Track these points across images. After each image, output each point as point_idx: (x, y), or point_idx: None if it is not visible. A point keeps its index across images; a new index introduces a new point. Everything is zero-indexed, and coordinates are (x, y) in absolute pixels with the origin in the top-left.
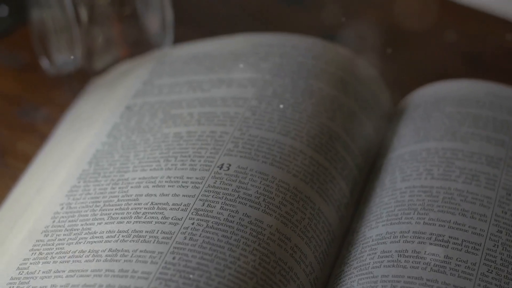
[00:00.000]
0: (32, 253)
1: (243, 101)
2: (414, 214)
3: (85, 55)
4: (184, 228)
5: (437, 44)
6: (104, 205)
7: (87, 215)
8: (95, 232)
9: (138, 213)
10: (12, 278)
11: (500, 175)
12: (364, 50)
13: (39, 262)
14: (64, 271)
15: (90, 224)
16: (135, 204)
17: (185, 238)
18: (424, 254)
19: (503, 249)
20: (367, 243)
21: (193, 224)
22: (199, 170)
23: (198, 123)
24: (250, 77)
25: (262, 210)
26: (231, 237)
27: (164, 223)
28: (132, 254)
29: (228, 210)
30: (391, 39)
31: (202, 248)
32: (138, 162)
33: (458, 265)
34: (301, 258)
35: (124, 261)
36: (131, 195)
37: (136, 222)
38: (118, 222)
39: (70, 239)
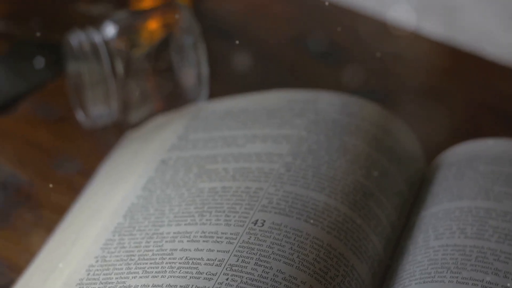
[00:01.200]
0: None
1: (277, 157)
2: (447, 272)
3: (121, 108)
4: (218, 283)
5: (470, 101)
6: (138, 259)
7: (121, 269)
8: (129, 286)
9: (172, 267)
10: None
11: None
12: (397, 107)
13: None
14: None
15: (125, 278)
16: (169, 258)
17: None
18: None
19: None
20: None
21: (227, 279)
22: (234, 225)
23: (233, 178)
24: (285, 133)
25: (296, 266)
26: None
27: (198, 278)
28: None
29: (262, 266)
30: (424, 95)
31: None
32: (173, 216)
33: None
34: None
35: None
36: (165, 250)
37: (171, 276)
38: (153, 276)
39: None
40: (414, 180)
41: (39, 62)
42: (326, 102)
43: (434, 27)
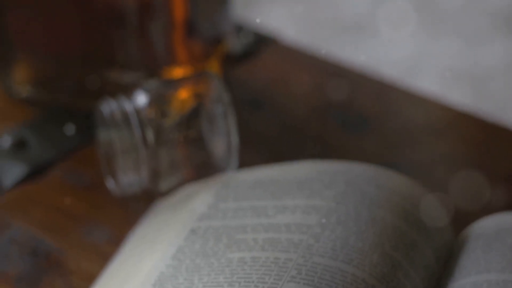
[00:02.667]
0: None
1: (306, 228)
2: None
3: (151, 177)
4: None
5: (497, 173)
6: None
7: None
8: None
9: None
10: None
11: None
12: (424, 178)
13: None
14: None
15: None
16: None
17: None
18: None
19: None
20: None
21: None
22: None
23: (262, 249)
24: (314, 204)
25: None
26: None
27: None
28: None
29: None
30: (451, 167)
31: None
32: (202, 286)
33: None
34: None
35: None
36: None
37: None
38: None
39: None
40: (442, 252)
41: (70, 129)
42: (355, 174)
43: (462, 96)
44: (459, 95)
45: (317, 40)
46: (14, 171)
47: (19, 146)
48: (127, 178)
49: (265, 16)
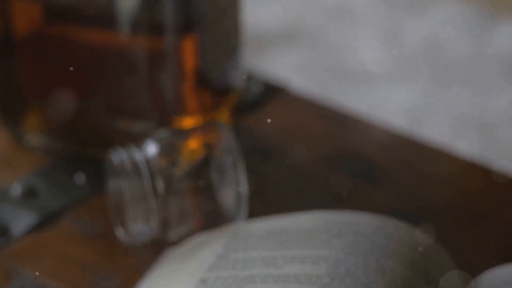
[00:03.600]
0: None
1: (315, 278)
2: None
3: (161, 226)
4: None
5: (506, 224)
6: None
7: None
8: None
9: None
10: None
11: None
12: (433, 229)
13: None
14: None
15: None
16: None
17: None
18: None
19: None
20: None
21: None
22: None
23: None
24: (323, 254)
25: None
26: None
27: None
28: None
29: None
30: (460, 217)
31: None
32: None
33: None
34: None
35: None
36: None
37: None
38: None
39: None
40: None
41: (80, 178)
42: (364, 224)
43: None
44: (467, 143)
45: (326, 88)
46: (24, 220)
47: (29, 194)
48: (137, 227)
49: (274, 63)
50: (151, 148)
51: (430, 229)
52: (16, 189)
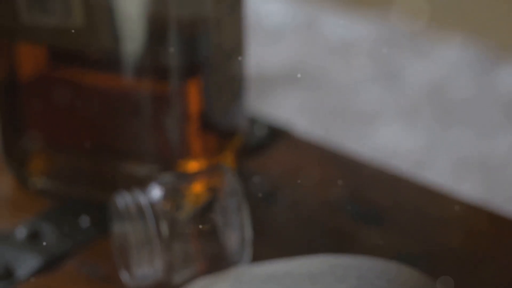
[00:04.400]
0: None
1: None
2: None
3: (165, 269)
4: None
5: (508, 270)
6: None
7: None
8: None
9: None
10: None
11: None
12: (435, 272)
13: None
14: None
15: None
16: None
17: None
18: None
19: None
20: None
21: None
22: None
23: None
24: None
25: None
26: None
27: None
28: None
29: None
30: (463, 260)
31: None
32: None
33: None
34: None
35: None
36: None
37: None
38: None
39: None
40: None
41: (85, 221)
42: (367, 268)
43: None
44: (471, 185)
45: (329, 129)
46: (29, 263)
47: (34, 237)
48: (142, 271)
49: (277, 104)
50: (156, 192)
51: (433, 272)
52: (21, 232)
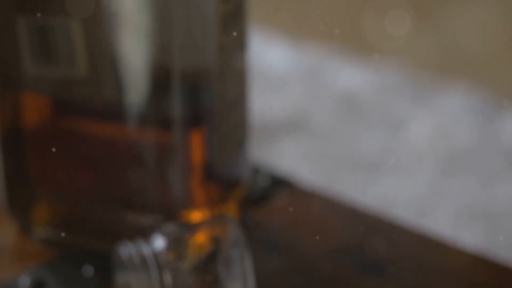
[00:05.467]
0: None
1: None
2: None
3: None
4: None
5: None
6: None
7: None
8: None
9: None
10: None
11: None
12: None
13: None
14: None
15: None
16: None
17: None
18: None
19: None
20: None
21: None
22: None
23: None
24: None
25: None
26: None
27: None
28: None
29: None
30: None
31: None
32: None
33: None
34: None
35: None
36: None
37: None
38: None
39: None
40: None
41: (88, 270)
42: None
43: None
44: (473, 233)
45: (332, 178)
46: None
47: (38, 287)
48: None
49: (281, 153)
50: (159, 242)
51: None
52: (25, 281)
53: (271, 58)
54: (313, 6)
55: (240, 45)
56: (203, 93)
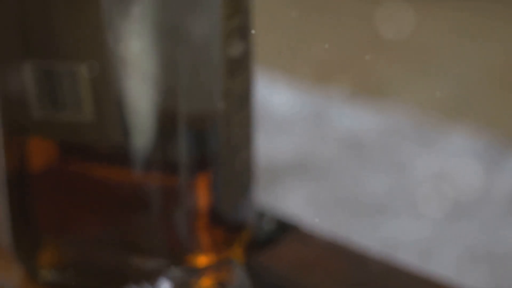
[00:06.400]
0: None
1: None
2: None
3: None
4: None
5: None
6: None
7: None
8: None
9: None
10: None
11: None
12: None
13: None
14: None
15: None
16: None
17: None
18: None
19: None
20: None
21: None
22: None
23: None
24: None
25: None
26: None
27: None
28: None
29: None
30: None
31: None
32: None
33: None
34: None
35: None
36: None
37: None
38: None
39: None
40: None
41: None
42: None
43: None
44: (478, 277)
45: (337, 220)
46: None
47: None
48: None
49: (285, 195)
50: (164, 286)
51: None
52: None
53: (276, 100)
54: (318, 49)
55: (246, 89)
56: (209, 137)
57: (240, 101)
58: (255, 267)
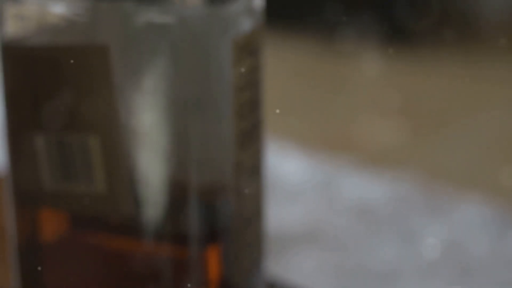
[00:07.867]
0: None
1: None
2: None
3: None
4: None
5: None
6: None
7: None
8: None
9: None
10: None
11: None
12: None
13: None
14: None
15: None
16: None
17: None
18: None
19: None
20: None
21: None
22: None
23: None
24: None
25: None
26: None
27: None
28: None
29: None
30: None
31: None
32: None
33: None
34: None
35: None
36: None
37: None
38: None
39: None
40: None
41: None
42: None
43: None
44: None
45: None
46: None
47: None
48: None
49: (296, 263)
50: None
51: None
52: None
53: (287, 169)
54: (328, 118)
55: (257, 161)
56: (220, 210)
57: (251, 173)
58: None
